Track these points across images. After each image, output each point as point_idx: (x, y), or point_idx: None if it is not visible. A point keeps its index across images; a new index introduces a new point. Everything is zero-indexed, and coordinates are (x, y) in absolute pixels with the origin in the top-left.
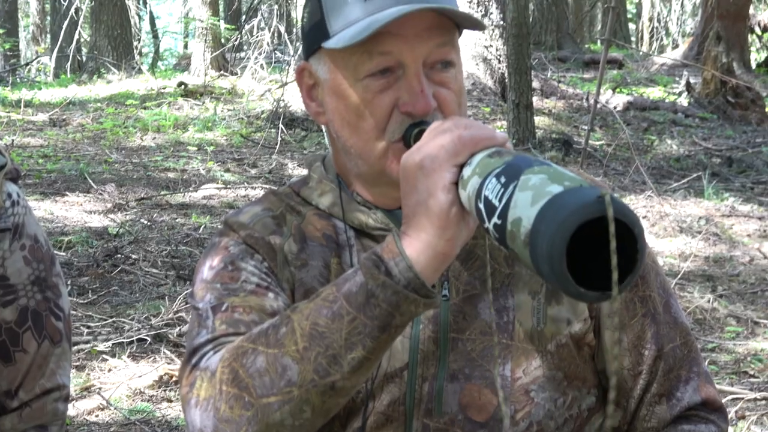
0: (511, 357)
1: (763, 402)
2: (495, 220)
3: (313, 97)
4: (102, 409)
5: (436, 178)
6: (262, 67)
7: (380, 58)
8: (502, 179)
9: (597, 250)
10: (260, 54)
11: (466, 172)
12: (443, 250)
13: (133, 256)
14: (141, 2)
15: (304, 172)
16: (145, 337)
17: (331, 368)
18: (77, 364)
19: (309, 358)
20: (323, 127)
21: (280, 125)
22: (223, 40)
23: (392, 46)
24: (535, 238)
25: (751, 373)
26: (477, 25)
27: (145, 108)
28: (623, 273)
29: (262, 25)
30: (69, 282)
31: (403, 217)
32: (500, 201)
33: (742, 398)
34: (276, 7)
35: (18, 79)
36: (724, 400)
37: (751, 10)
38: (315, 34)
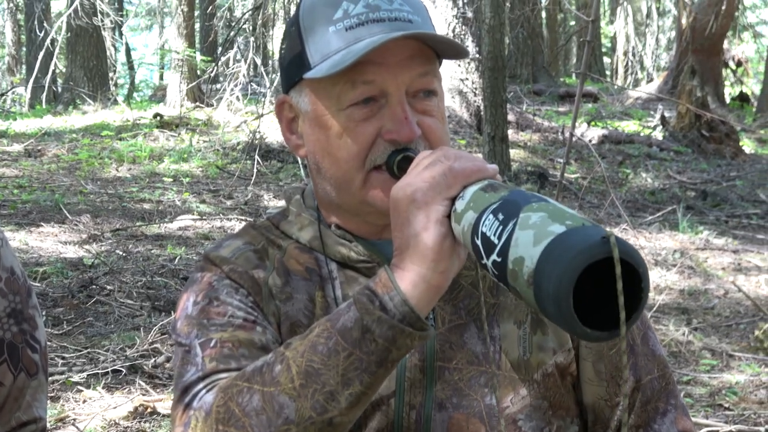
0: (498, 386)
1: None
2: (494, 257)
3: (293, 130)
4: None
5: (428, 212)
6: (238, 98)
7: (363, 87)
8: (500, 216)
9: (600, 288)
10: (236, 86)
11: (459, 205)
12: (437, 282)
13: (108, 287)
14: (117, 33)
15: (280, 203)
16: (120, 368)
17: (329, 405)
18: (52, 395)
19: (306, 395)
20: (300, 160)
21: (256, 157)
22: (199, 72)
23: (375, 75)
24: (540, 278)
25: (726, 405)
26: (459, 53)
27: (120, 139)
28: (627, 311)
29: (238, 57)
30: (44, 313)
31: (395, 250)
32: (499, 239)
33: (717, 431)
34: (252, 39)
35: None
36: None
37: (725, 45)
38: (295, 66)
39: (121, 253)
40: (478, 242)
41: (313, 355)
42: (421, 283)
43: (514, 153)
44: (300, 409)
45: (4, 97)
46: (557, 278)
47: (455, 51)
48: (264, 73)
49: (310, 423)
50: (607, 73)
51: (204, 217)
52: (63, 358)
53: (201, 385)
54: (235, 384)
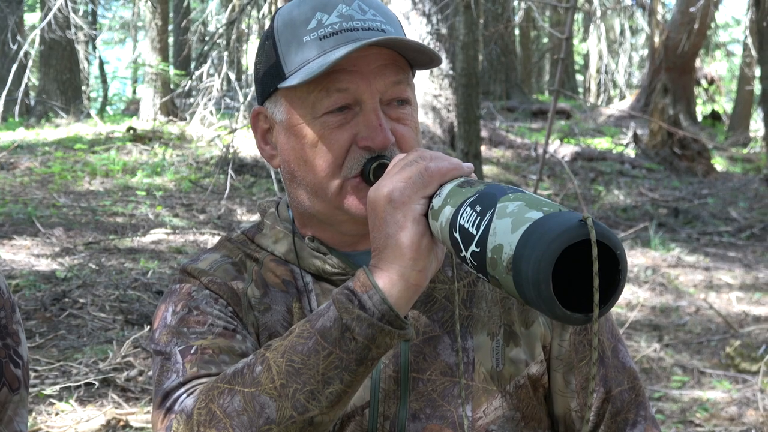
0: (472, 398)
1: None
2: (473, 248)
3: (267, 140)
4: None
5: (405, 211)
6: (211, 113)
7: (338, 95)
8: (478, 208)
9: (579, 272)
10: (210, 100)
11: (436, 202)
12: (415, 281)
13: (81, 300)
14: (90, 47)
15: (254, 217)
16: (93, 382)
17: (310, 404)
18: None
19: (287, 394)
20: (273, 175)
21: (230, 171)
22: (172, 86)
23: (349, 82)
24: (519, 264)
25: (697, 422)
26: (432, 60)
27: (93, 152)
28: (607, 294)
29: (212, 71)
30: None
31: (373, 250)
32: (477, 229)
33: None
34: (226, 53)
35: None
36: None
37: (698, 63)
38: (270, 77)
39: (93, 266)
40: (457, 235)
41: (293, 355)
42: (399, 281)
43: (488, 169)
44: (281, 408)
45: None
46: (536, 262)
47: (428, 58)
48: (237, 88)
49: (291, 422)
50: (580, 90)
51: (177, 231)
52: (35, 371)
53: (182, 390)
54: (216, 386)
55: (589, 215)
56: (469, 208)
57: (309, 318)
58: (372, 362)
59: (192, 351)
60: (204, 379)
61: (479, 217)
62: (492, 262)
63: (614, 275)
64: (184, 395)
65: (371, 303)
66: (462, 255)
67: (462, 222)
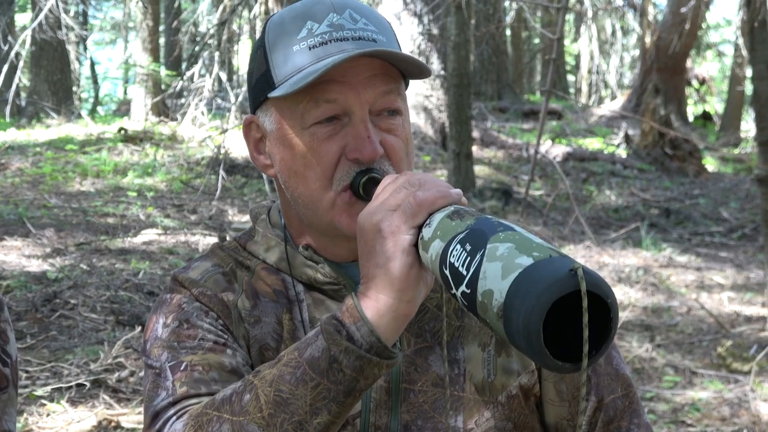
0: (463, 409)
1: None
2: (463, 288)
3: (260, 150)
4: None
5: (395, 241)
6: (202, 113)
7: (326, 105)
8: (467, 246)
9: (569, 318)
10: (201, 100)
11: (426, 233)
12: (404, 311)
13: (72, 301)
14: (81, 47)
15: (245, 218)
16: (84, 383)
17: None
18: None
19: (275, 424)
20: (265, 177)
21: (221, 172)
22: (163, 86)
23: (338, 93)
24: (509, 312)
25: (689, 422)
26: (422, 72)
27: (84, 153)
28: (598, 342)
29: (203, 71)
30: None
31: (362, 278)
32: (467, 270)
33: None
34: (217, 54)
35: None
36: None
37: (689, 64)
38: (261, 86)
39: (85, 267)
40: (447, 272)
41: (281, 385)
42: (388, 312)
43: (479, 170)
44: None
45: None
46: (526, 314)
47: (418, 70)
48: (229, 88)
49: None
50: (571, 90)
51: (168, 232)
52: (26, 371)
53: (171, 411)
54: (205, 412)
55: (579, 265)
56: (459, 246)
57: (297, 346)
58: (360, 393)
59: (182, 368)
60: (193, 400)
61: (469, 257)
62: (483, 306)
63: (605, 322)
64: (174, 418)
65: (359, 335)
66: (452, 293)
67: (452, 260)
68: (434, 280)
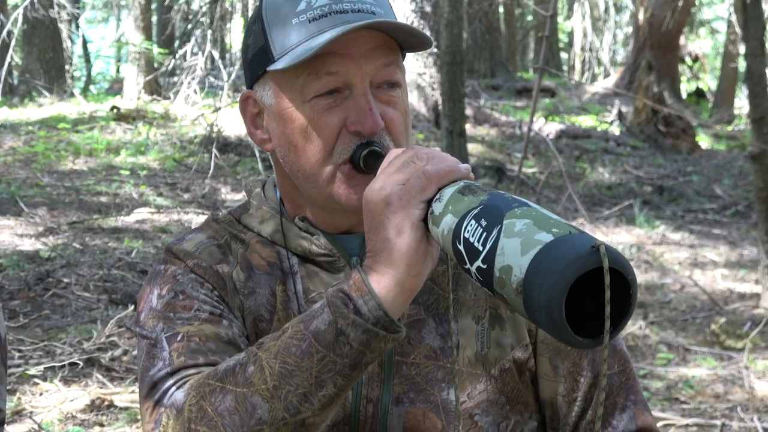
0: (457, 382)
1: (695, 428)
2: (479, 264)
3: (257, 125)
4: None
5: (404, 216)
6: (195, 91)
7: (327, 78)
8: (483, 222)
9: (588, 293)
10: (193, 79)
11: (437, 208)
12: (410, 286)
13: (65, 280)
14: (73, 26)
15: (238, 196)
16: (77, 361)
17: (302, 406)
18: (8, 387)
19: (279, 396)
20: (258, 154)
21: (214, 150)
22: (156, 65)
23: (339, 66)
24: (530, 288)
25: (683, 399)
26: (423, 42)
27: (77, 132)
28: (617, 318)
29: (196, 49)
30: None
31: (368, 252)
32: (484, 245)
33: (674, 424)
34: (209, 32)
35: None
36: None
37: (682, 41)
38: (259, 60)
39: (77, 246)
40: (461, 247)
41: (286, 357)
42: (395, 287)
43: (472, 147)
44: (273, 410)
45: None
46: (548, 289)
47: (419, 41)
48: (221, 66)
49: (282, 423)
50: (565, 68)
51: (161, 210)
52: (19, 351)
53: (170, 381)
54: (208, 383)
55: (601, 242)
56: (473, 221)
57: (303, 318)
58: (365, 366)
59: (178, 338)
60: (192, 370)
61: (485, 233)
62: (500, 282)
63: (624, 299)
64: (173, 388)
65: (367, 308)
66: (466, 268)
67: (466, 235)
68: (438, 254)
